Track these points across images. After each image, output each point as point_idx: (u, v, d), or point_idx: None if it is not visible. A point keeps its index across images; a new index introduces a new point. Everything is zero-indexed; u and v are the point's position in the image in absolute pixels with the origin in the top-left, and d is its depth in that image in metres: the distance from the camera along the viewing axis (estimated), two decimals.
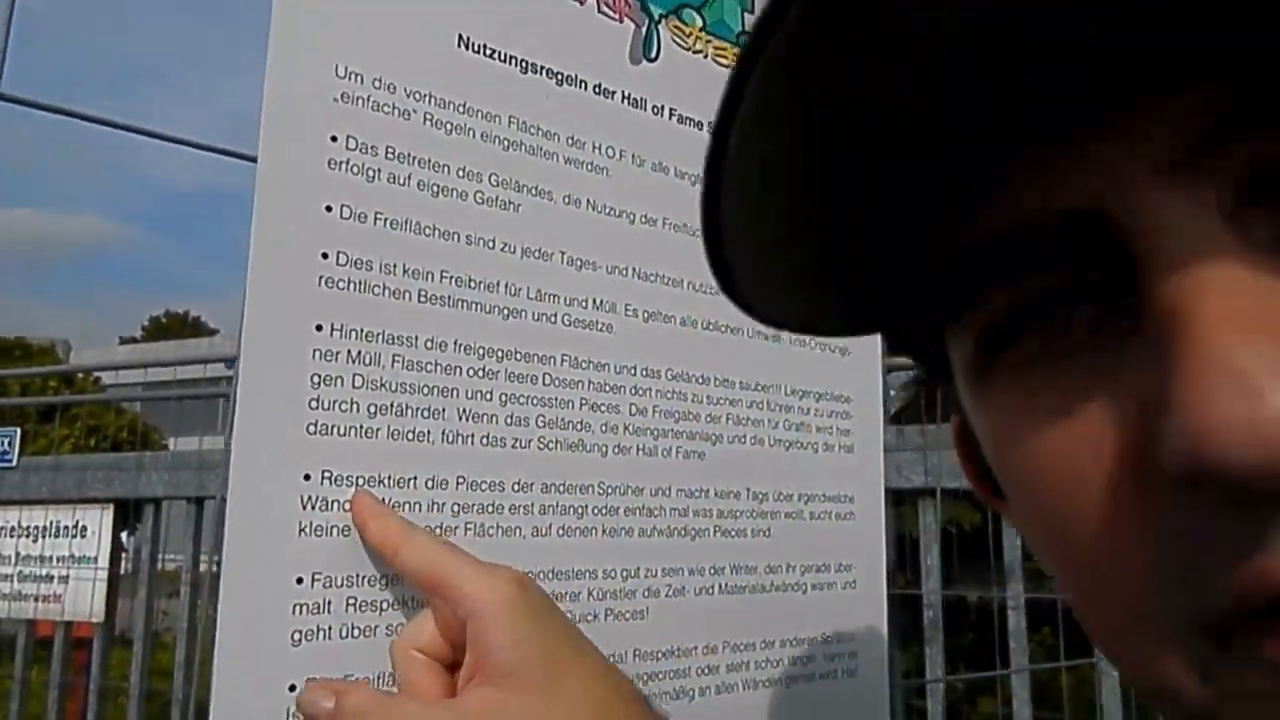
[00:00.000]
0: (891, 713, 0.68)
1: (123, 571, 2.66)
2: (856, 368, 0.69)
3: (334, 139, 0.47)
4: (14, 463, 2.70)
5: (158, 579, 2.61)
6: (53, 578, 2.62)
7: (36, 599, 2.61)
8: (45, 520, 2.65)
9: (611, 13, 0.58)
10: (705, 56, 0.62)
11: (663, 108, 0.60)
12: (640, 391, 0.56)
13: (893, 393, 2.40)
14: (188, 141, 0.74)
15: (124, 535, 2.66)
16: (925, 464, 1.78)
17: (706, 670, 0.57)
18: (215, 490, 2.37)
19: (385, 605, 0.45)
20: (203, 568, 2.40)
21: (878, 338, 0.70)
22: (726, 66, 0.63)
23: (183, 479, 2.47)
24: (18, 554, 2.66)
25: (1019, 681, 1.71)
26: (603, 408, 0.54)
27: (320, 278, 0.45)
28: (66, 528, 2.62)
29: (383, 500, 0.45)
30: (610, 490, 0.54)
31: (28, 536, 2.66)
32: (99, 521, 2.56)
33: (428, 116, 0.50)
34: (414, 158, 0.49)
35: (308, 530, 0.43)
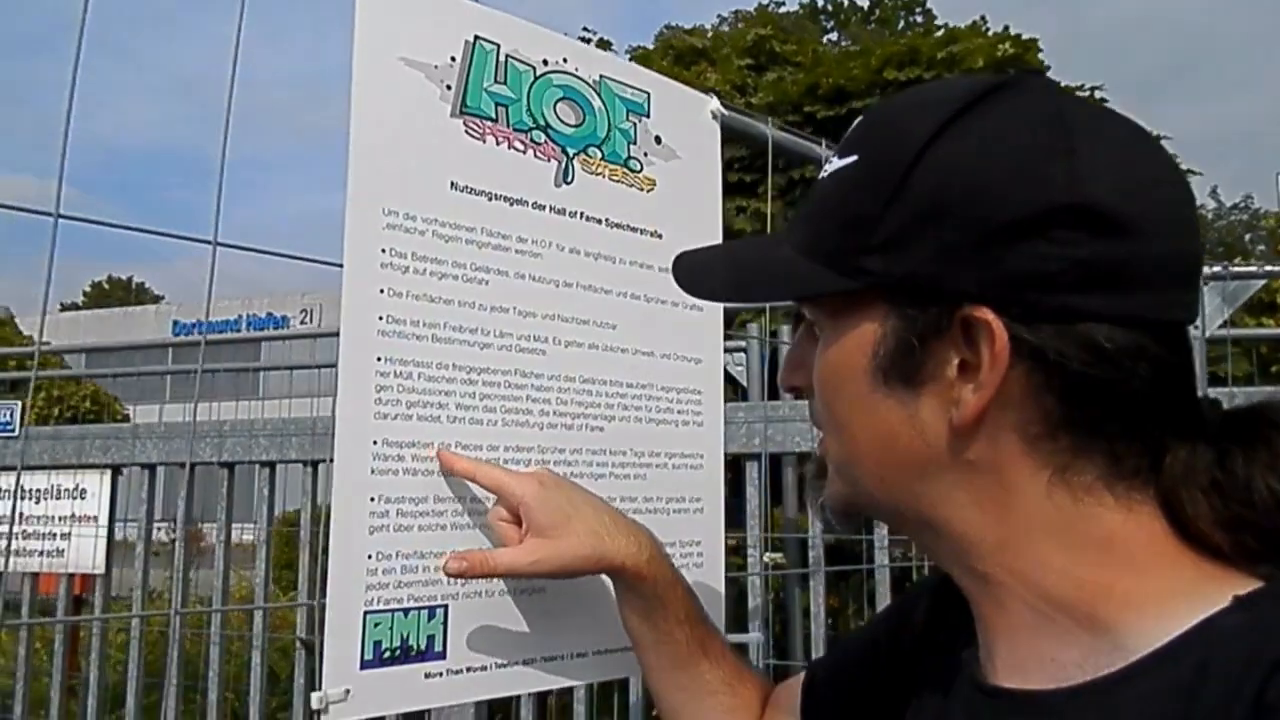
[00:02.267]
0: (725, 596, 1.06)
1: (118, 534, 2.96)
2: (709, 372, 1.06)
3: (382, 250, 0.82)
4: (15, 431, 2.98)
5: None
6: (55, 535, 2.92)
7: (41, 554, 2.91)
8: (47, 484, 2.95)
9: (542, 156, 0.94)
10: (604, 177, 0.99)
11: (577, 213, 0.96)
12: (563, 390, 0.93)
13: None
14: (283, 253, 1.07)
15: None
16: (813, 431, 2.18)
17: None
18: (210, 456, 2.70)
19: (415, 513, 0.81)
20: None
21: (720, 352, 1.07)
22: (618, 183, 0.99)
23: (175, 447, 2.78)
24: (21, 515, 2.95)
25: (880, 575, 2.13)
26: (540, 400, 0.91)
27: (377, 330, 0.81)
28: (67, 490, 2.92)
29: (406, 452, 0.82)
30: (545, 449, 0.91)
31: (30, 499, 2.95)
32: (99, 484, 2.87)
33: (434, 233, 0.86)
34: (424, 256, 0.85)
35: (377, 471, 0.79)
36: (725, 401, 1.08)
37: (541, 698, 2.46)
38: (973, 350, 0.47)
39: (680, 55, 4.31)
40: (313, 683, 2.62)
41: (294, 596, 3.51)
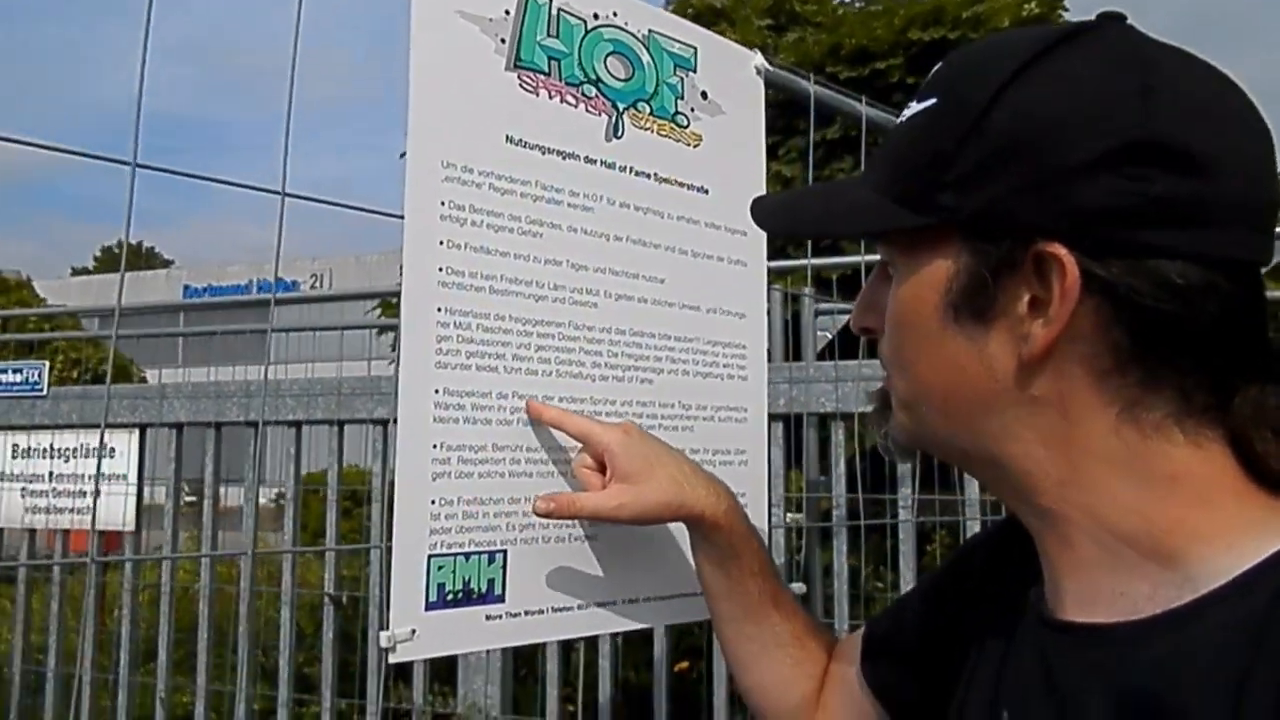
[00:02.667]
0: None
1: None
2: (753, 327, 1.07)
3: (441, 203, 0.83)
4: (44, 391, 3.02)
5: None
6: (85, 493, 2.96)
7: (72, 511, 2.96)
8: (76, 443, 2.99)
9: (593, 110, 0.95)
10: (653, 132, 0.99)
11: (627, 167, 0.97)
12: (614, 344, 0.94)
13: (824, 332, 2.81)
14: (348, 204, 1.07)
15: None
16: (837, 393, 2.19)
17: None
18: (235, 416, 2.73)
19: (475, 461, 0.83)
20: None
21: (764, 307, 1.08)
22: (666, 137, 1.00)
23: (202, 406, 2.81)
24: (51, 473, 2.99)
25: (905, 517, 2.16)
26: (592, 353, 0.92)
27: (438, 281, 0.83)
28: (94, 449, 2.96)
29: (466, 401, 0.83)
30: (597, 400, 0.92)
31: (60, 457, 3.00)
32: (127, 443, 2.91)
33: (490, 185, 0.87)
34: (482, 209, 0.86)
35: (438, 419, 0.81)
36: None
37: (567, 653, 2.51)
38: (1044, 285, 0.48)
39: (699, 15, 4.28)
40: (341, 639, 2.67)
41: (321, 558, 3.56)
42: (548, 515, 0.81)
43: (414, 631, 0.79)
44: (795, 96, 1.28)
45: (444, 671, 2.49)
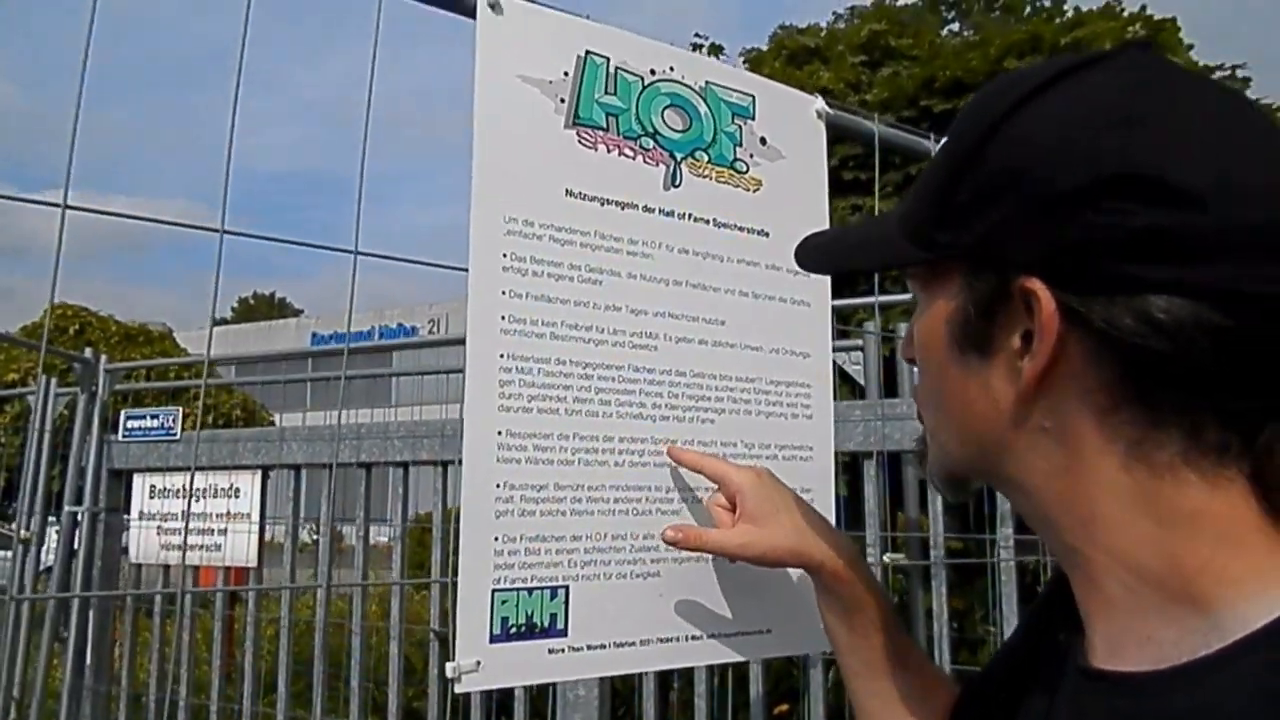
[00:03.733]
0: None
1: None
2: (818, 366, 1.08)
3: (504, 255, 0.89)
4: (178, 436, 3.24)
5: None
6: (213, 530, 3.15)
7: (201, 548, 3.15)
8: (205, 483, 3.19)
9: (651, 161, 0.99)
10: (711, 180, 1.02)
11: (686, 214, 1.00)
12: (674, 385, 0.97)
13: None
14: (415, 260, 1.15)
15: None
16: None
17: None
18: (348, 457, 2.86)
19: (537, 499, 0.87)
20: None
21: (829, 345, 1.09)
22: (725, 184, 1.03)
23: (318, 449, 2.96)
24: (184, 512, 3.20)
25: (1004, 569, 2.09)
26: (652, 394, 0.95)
27: (500, 329, 0.87)
28: (223, 489, 3.15)
29: (528, 442, 0.87)
30: (658, 441, 0.95)
31: (191, 497, 3.20)
32: (251, 484, 3.09)
33: (550, 237, 0.91)
34: (542, 260, 0.91)
35: (501, 459, 0.85)
36: (842, 400, 1.10)
37: (665, 693, 2.51)
38: (1033, 320, 0.48)
39: (793, 55, 4.31)
40: (446, 675, 2.74)
41: (426, 594, 3.67)
42: (674, 544, 0.85)
43: (479, 663, 0.83)
44: (865, 138, 1.30)
45: (543, 709, 2.53)
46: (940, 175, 0.53)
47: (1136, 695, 0.47)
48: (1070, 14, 6.05)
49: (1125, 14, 6.59)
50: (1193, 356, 0.44)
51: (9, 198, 0.77)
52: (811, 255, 0.68)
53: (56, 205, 0.70)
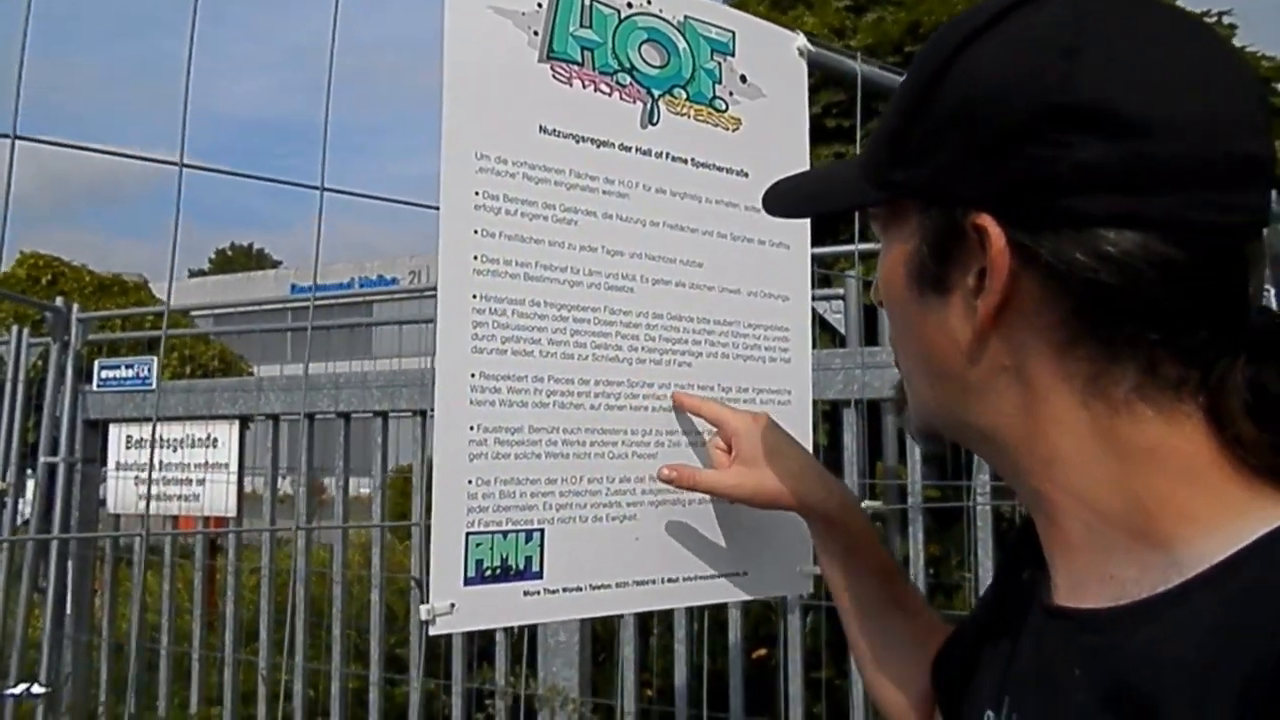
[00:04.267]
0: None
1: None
2: (797, 309, 1.07)
3: (476, 193, 0.86)
4: (153, 386, 3.21)
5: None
6: (191, 481, 3.14)
7: (180, 498, 3.14)
8: (182, 434, 3.16)
9: (627, 98, 0.96)
10: (689, 118, 1.00)
11: (663, 153, 0.98)
12: (650, 327, 0.96)
13: None
14: (382, 197, 1.12)
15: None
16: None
17: None
18: (327, 407, 2.84)
19: (512, 442, 0.86)
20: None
21: (808, 289, 1.08)
22: (703, 122, 1.01)
23: (296, 398, 2.94)
24: (160, 462, 3.18)
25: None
26: (628, 336, 0.94)
27: (472, 269, 0.85)
28: (200, 440, 3.13)
29: (502, 384, 0.86)
30: (634, 384, 0.94)
31: (168, 447, 3.18)
32: (229, 434, 3.07)
33: (524, 175, 0.89)
34: (515, 198, 0.89)
35: (475, 402, 0.84)
36: (823, 349, 1.09)
37: (644, 638, 2.54)
38: (986, 257, 0.47)
39: (777, 0, 4.23)
40: None
41: (408, 544, 3.69)
42: (669, 483, 0.89)
43: (453, 606, 0.83)
44: (846, 77, 1.27)
45: (524, 654, 2.55)
46: (895, 116, 0.52)
47: (1096, 631, 0.47)
48: None
49: None
50: (1143, 290, 0.44)
51: None
52: (777, 200, 0.68)
53: (5, 136, 0.67)
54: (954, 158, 0.48)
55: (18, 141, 0.81)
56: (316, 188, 0.81)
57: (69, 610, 3.25)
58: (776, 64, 1.09)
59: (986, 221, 0.46)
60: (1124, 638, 0.45)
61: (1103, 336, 0.46)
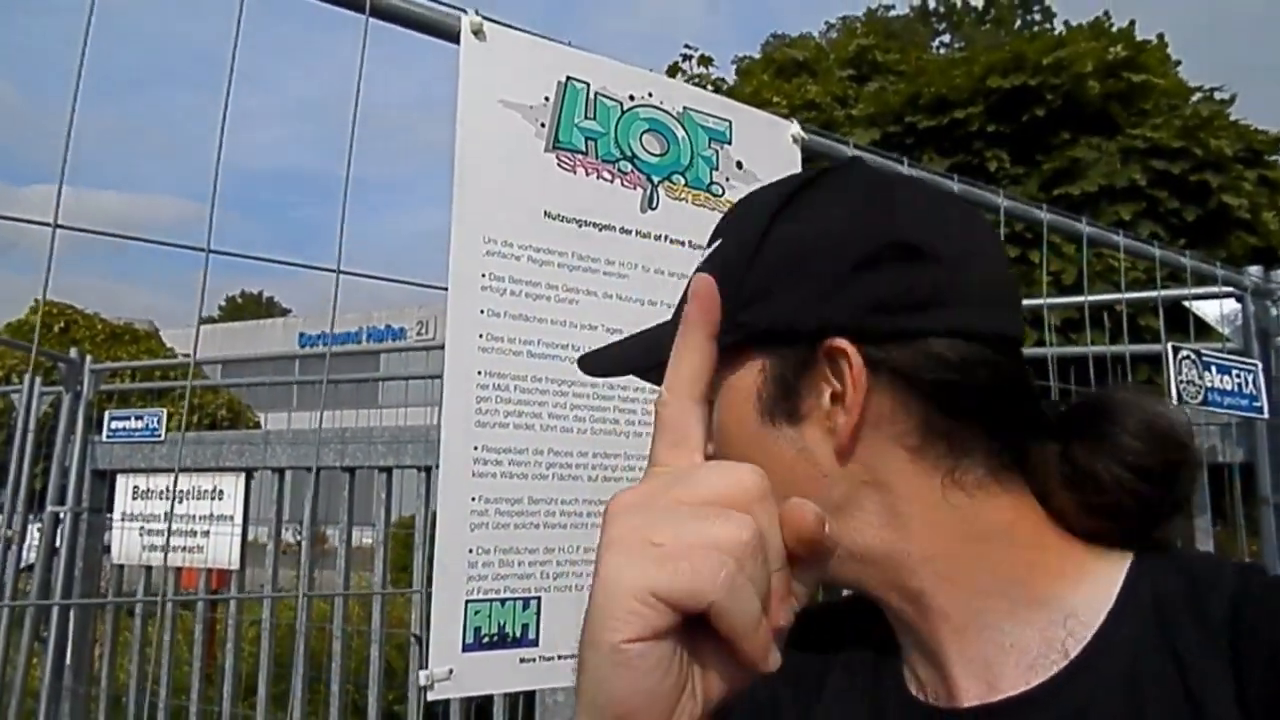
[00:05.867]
0: None
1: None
2: None
3: (483, 275, 0.91)
4: (162, 437, 3.25)
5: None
6: (195, 532, 3.16)
7: (183, 550, 3.16)
8: (188, 485, 3.19)
9: (628, 184, 1.02)
10: (687, 202, 1.05)
11: (662, 236, 1.03)
12: (647, 401, 1.00)
13: None
14: (394, 279, 1.17)
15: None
16: None
17: None
18: (333, 461, 2.88)
19: (511, 513, 0.90)
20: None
21: None
22: (701, 206, 1.06)
23: (303, 452, 2.98)
24: (166, 514, 3.21)
25: None
26: (626, 411, 0.98)
27: (478, 347, 0.90)
28: (206, 491, 3.16)
29: (504, 457, 0.90)
30: (631, 457, 0.98)
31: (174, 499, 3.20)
32: (234, 486, 3.10)
33: (529, 258, 0.94)
34: (520, 279, 0.94)
35: (477, 474, 0.88)
36: None
37: None
38: (839, 378, 0.52)
39: (782, 68, 4.34)
40: None
41: (409, 598, 3.68)
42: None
43: (451, 671, 0.86)
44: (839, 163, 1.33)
45: (524, 714, 2.55)
46: (727, 267, 0.56)
47: (1021, 714, 0.50)
48: (1058, 31, 6.11)
49: (1114, 29, 6.68)
50: (979, 386, 0.52)
51: (7, 218, 0.79)
52: (598, 365, 0.71)
53: (47, 225, 0.72)
54: (801, 294, 0.54)
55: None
56: (334, 270, 0.86)
57: (69, 660, 3.25)
58: (771, 150, 1.14)
59: (842, 343, 0.52)
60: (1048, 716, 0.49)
61: (953, 432, 0.52)
